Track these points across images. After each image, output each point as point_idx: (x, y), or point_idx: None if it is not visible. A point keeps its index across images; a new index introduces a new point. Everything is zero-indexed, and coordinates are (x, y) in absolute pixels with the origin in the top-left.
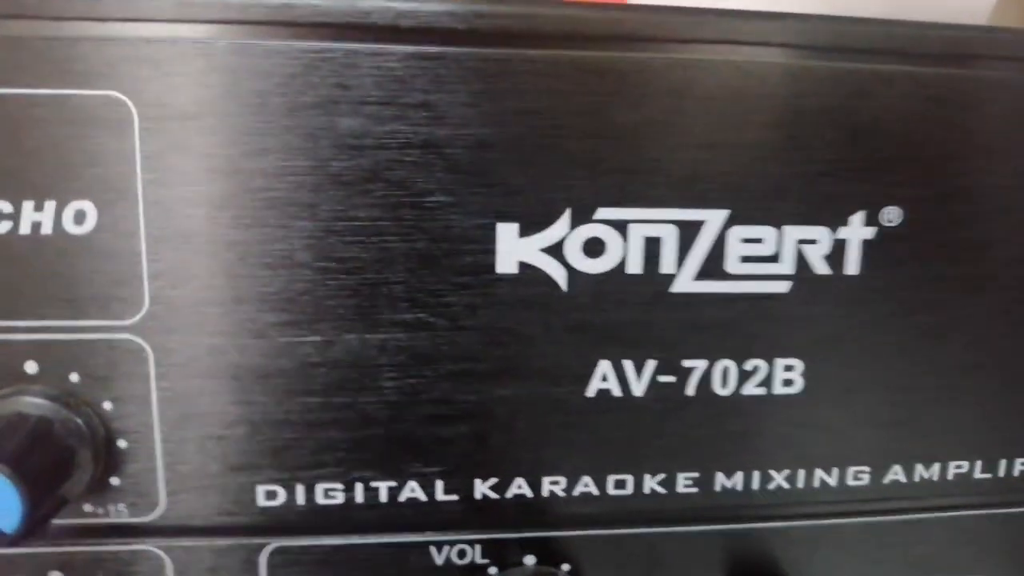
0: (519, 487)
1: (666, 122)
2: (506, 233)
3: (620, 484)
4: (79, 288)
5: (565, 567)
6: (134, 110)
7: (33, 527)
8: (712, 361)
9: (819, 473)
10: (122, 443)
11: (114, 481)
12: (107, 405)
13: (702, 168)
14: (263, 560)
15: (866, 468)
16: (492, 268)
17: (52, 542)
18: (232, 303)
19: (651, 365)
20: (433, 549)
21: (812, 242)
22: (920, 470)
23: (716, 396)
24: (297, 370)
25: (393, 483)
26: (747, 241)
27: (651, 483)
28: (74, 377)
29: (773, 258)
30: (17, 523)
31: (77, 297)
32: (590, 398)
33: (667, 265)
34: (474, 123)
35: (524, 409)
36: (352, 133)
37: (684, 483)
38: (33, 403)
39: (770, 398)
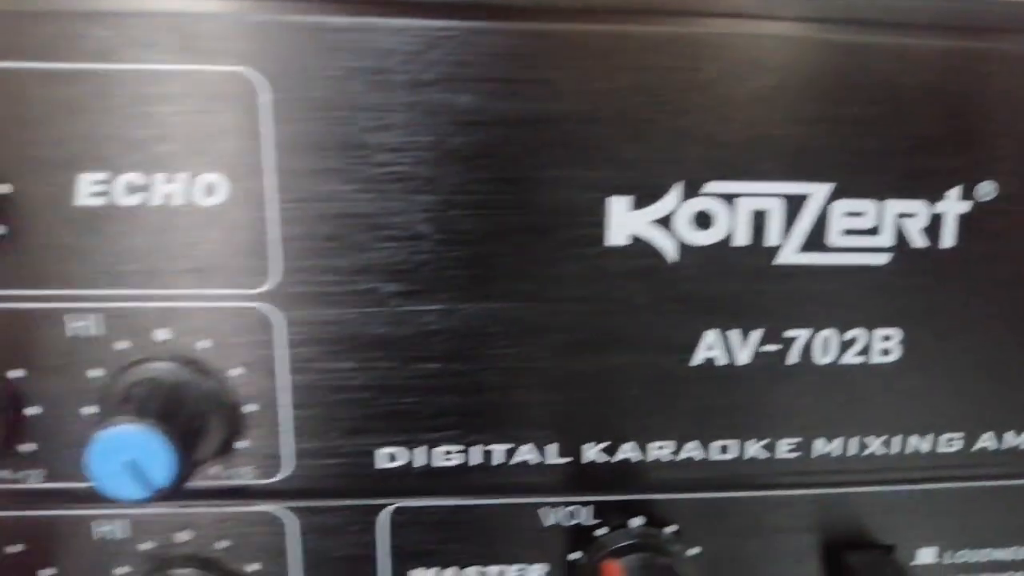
0: (627, 451)
1: (773, 97)
2: (617, 206)
3: (724, 449)
4: (210, 258)
5: (670, 529)
6: (265, 85)
7: (180, 483)
8: (814, 331)
9: (913, 439)
10: (248, 408)
11: (240, 445)
12: (234, 372)
13: (807, 143)
14: (384, 520)
15: (958, 435)
16: (603, 241)
17: (180, 504)
18: (357, 273)
19: (755, 335)
20: (543, 510)
21: (910, 216)
22: (1010, 438)
23: (817, 365)
24: (417, 338)
25: (507, 447)
26: (849, 214)
27: (753, 449)
28: (203, 344)
29: (873, 231)
30: (170, 476)
31: (208, 266)
32: (696, 366)
33: (772, 237)
34: (587, 99)
35: (632, 377)
36: (470, 109)
37: (784, 449)
38: (164, 369)
39: (868, 367)
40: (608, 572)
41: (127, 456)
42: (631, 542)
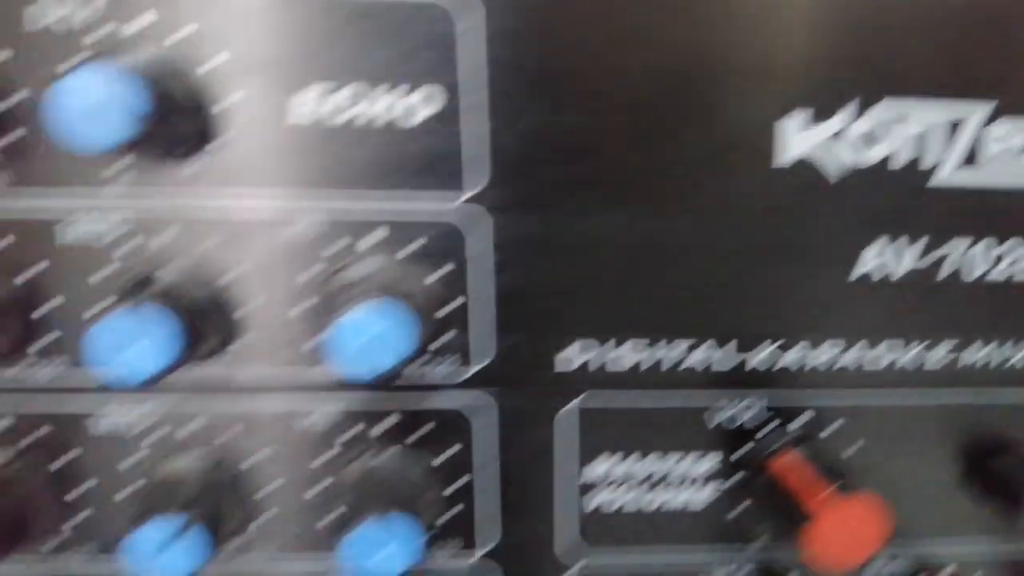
0: (794, 354)
1: (938, 19)
2: (786, 127)
3: (881, 355)
4: (419, 167)
5: (829, 430)
6: (478, 2)
7: (405, 365)
8: (968, 247)
9: None
10: (445, 311)
11: (438, 343)
12: (441, 271)
13: (970, 63)
14: (571, 412)
15: None
16: (771, 160)
17: (379, 395)
18: (555, 183)
19: (911, 252)
20: (716, 406)
21: None
22: None
23: (970, 279)
24: (605, 246)
25: (686, 345)
26: (1004, 134)
27: (905, 358)
28: (408, 250)
29: None
30: (412, 348)
31: (418, 174)
32: (855, 280)
33: (932, 156)
34: (762, 23)
35: (796, 287)
36: (655, 33)
37: (936, 358)
38: (374, 271)
39: (1018, 281)
40: (775, 467)
41: (370, 334)
42: (794, 438)
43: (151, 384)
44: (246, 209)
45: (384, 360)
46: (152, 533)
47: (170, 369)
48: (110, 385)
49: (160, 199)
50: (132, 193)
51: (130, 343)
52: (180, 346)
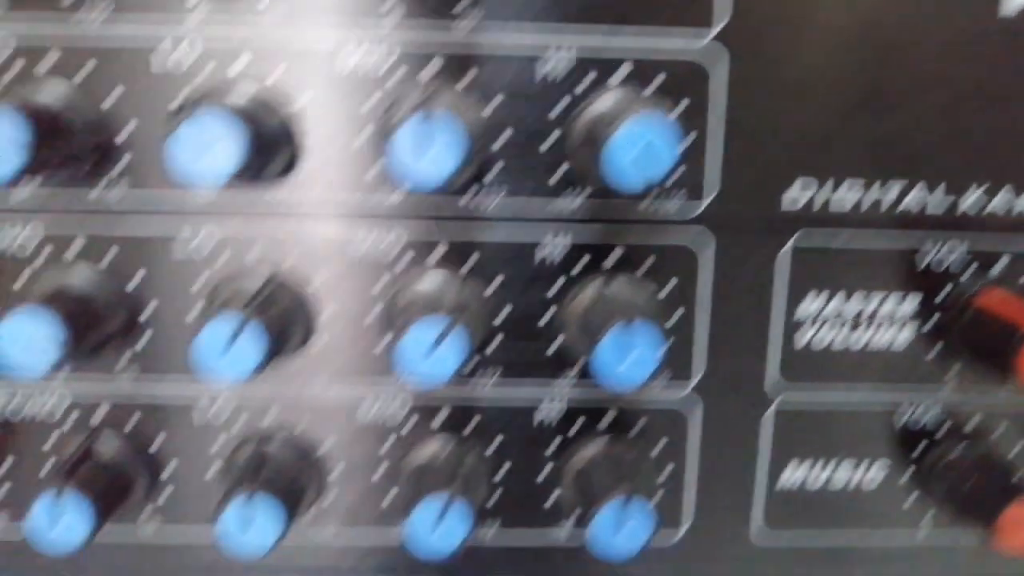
0: (997, 201)
1: None
2: None
3: None
4: (672, 3)
5: None
6: None
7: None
8: None
9: None
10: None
11: (670, 179)
12: (676, 112)
13: None
14: (788, 249)
15: None
16: (998, 9)
17: (617, 230)
18: (790, 23)
19: None
20: (924, 247)
21: None
22: None
23: None
24: (831, 88)
25: (900, 184)
26: None
27: None
28: (652, 86)
29: None
30: (676, 161)
31: (667, 11)
32: None
33: None
34: None
35: (1007, 133)
36: None
37: None
38: (619, 99)
39: None
40: (983, 300)
41: (644, 143)
42: (994, 280)
43: (447, 186)
44: (504, 46)
45: (656, 169)
46: (423, 334)
47: (454, 177)
48: (410, 186)
49: (428, 32)
50: (403, 25)
51: (429, 147)
52: (462, 156)
